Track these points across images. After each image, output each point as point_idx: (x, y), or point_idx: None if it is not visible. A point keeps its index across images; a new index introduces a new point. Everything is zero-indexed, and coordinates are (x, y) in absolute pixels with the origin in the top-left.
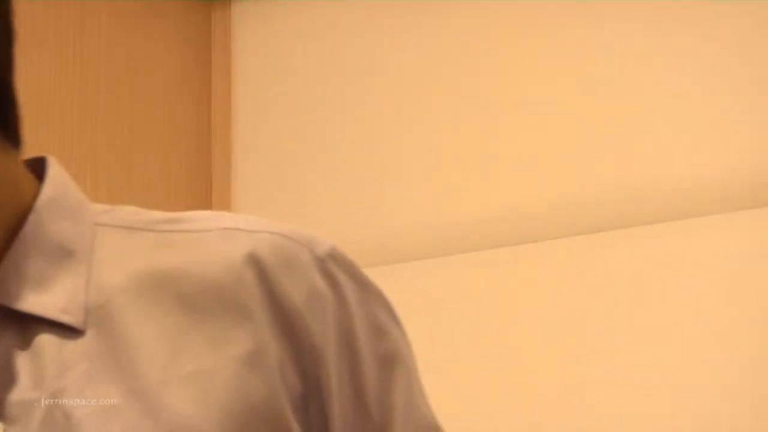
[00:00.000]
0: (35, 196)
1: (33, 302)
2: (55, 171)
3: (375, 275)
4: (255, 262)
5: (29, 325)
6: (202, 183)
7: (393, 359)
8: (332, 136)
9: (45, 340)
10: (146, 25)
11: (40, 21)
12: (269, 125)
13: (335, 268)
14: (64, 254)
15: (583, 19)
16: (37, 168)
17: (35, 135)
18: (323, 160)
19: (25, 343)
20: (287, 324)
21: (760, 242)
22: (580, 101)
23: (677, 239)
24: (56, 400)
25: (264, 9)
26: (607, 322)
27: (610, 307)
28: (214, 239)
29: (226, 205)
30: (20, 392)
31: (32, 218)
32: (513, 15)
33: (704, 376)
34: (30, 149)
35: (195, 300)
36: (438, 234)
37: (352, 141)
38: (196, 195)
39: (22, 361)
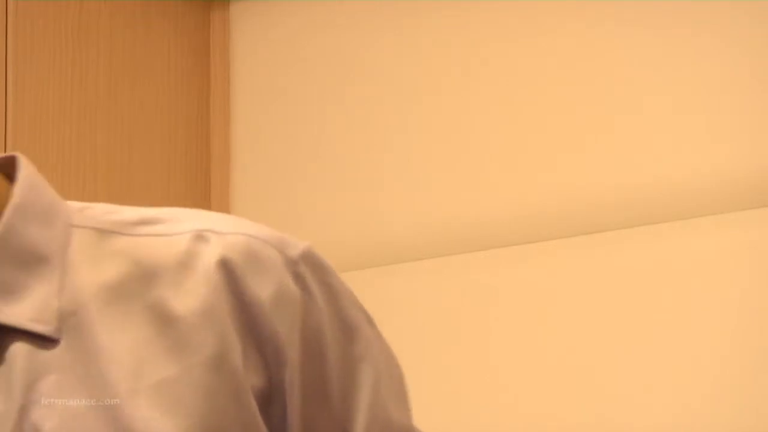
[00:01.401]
0: (6, 199)
1: (4, 312)
2: (25, 172)
3: (374, 275)
4: (223, 263)
5: (3, 335)
6: (201, 183)
7: (361, 360)
8: (331, 135)
9: (17, 351)
10: (145, 25)
11: (39, 21)
12: (268, 125)
13: (306, 270)
14: (35, 260)
15: (584, 21)
16: (8, 168)
17: (35, 135)
18: (322, 160)
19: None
20: (252, 325)
21: (761, 243)
22: (580, 102)
23: (678, 240)
24: (26, 413)
25: (262, 9)
26: (607, 322)
27: (611, 308)
28: (185, 242)
29: (225, 205)
30: None
31: (1, 224)
32: (514, 16)
33: (705, 377)
34: (30, 150)
35: (162, 306)
36: (437, 234)
37: (351, 141)
38: (195, 195)
39: None
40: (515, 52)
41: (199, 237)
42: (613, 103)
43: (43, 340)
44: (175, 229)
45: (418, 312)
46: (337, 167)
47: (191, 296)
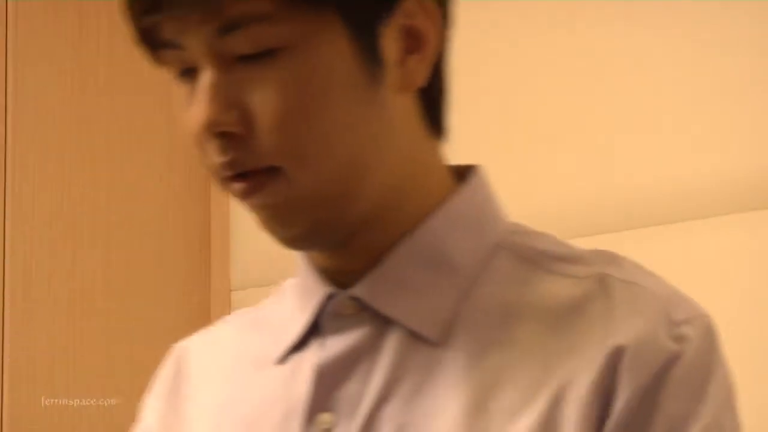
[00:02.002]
0: (442, 200)
1: (394, 307)
2: (474, 183)
3: None
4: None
5: (387, 327)
6: (201, 183)
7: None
8: None
9: (393, 345)
10: None
11: (39, 22)
12: None
13: (689, 330)
14: (446, 266)
15: (585, 21)
16: (465, 175)
17: (35, 135)
18: None
19: (375, 344)
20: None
21: (762, 244)
22: (582, 105)
23: (679, 241)
24: (379, 407)
25: None
26: None
27: None
28: (584, 286)
29: (224, 206)
30: (350, 389)
31: (429, 223)
32: (517, 17)
33: None
34: (30, 150)
35: (544, 344)
36: None
37: None
38: (195, 196)
39: (364, 360)
40: (523, 55)
41: (600, 281)
42: (614, 105)
43: (422, 342)
44: (582, 273)
45: None
46: None
47: (572, 335)
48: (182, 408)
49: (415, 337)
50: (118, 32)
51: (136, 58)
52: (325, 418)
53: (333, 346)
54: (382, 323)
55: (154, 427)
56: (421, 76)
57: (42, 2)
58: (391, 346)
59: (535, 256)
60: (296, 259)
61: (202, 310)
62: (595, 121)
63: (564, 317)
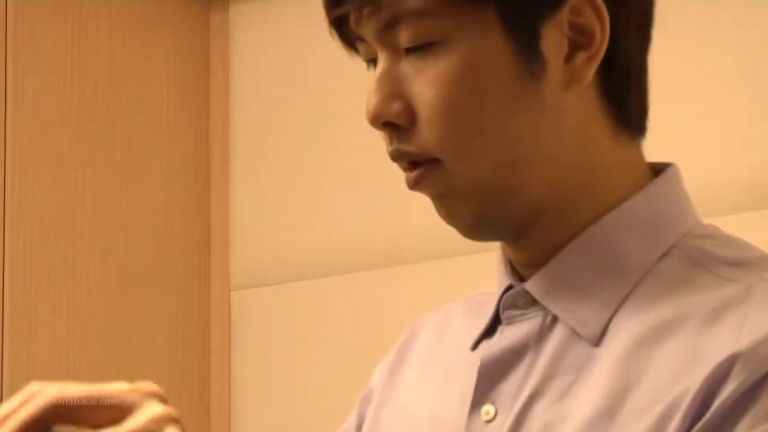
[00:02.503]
0: (624, 199)
1: (559, 304)
2: (660, 182)
3: (377, 276)
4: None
5: (554, 323)
6: (201, 183)
7: None
8: (331, 136)
9: (555, 342)
10: (144, 27)
11: (39, 21)
12: (268, 128)
13: None
14: (615, 266)
15: None
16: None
17: (35, 136)
18: (323, 161)
19: (539, 339)
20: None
21: (762, 244)
22: None
23: None
24: (530, 404)
25: (262, 11)
26: None
27: None
28: (737, 290)
29: (224, 206)
30: (512, 383)
31: (601, 222)
32: None
33: None
34: (30, 150)
35: (692, 348)
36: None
37: (352, 142)
38: (195, 196)
39: (528, 354)
40: None
41: (750, 286)
42: None
43: (581, 341)
44: (745, 278)
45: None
46: (337, 168)
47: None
48: (400, 374)
49: (575, 335)
50: (118, 32)
51: (136, 58)
52: (488, 409)
53: (504, 338)
54: (551, 319)
55: (375, 390)
56: (587, 73)
57: (42, 2)
58: (553, 342)
59: (704, 259)
60: (307, 259)
61: (202, 310)
62: None
63: (710, 322)
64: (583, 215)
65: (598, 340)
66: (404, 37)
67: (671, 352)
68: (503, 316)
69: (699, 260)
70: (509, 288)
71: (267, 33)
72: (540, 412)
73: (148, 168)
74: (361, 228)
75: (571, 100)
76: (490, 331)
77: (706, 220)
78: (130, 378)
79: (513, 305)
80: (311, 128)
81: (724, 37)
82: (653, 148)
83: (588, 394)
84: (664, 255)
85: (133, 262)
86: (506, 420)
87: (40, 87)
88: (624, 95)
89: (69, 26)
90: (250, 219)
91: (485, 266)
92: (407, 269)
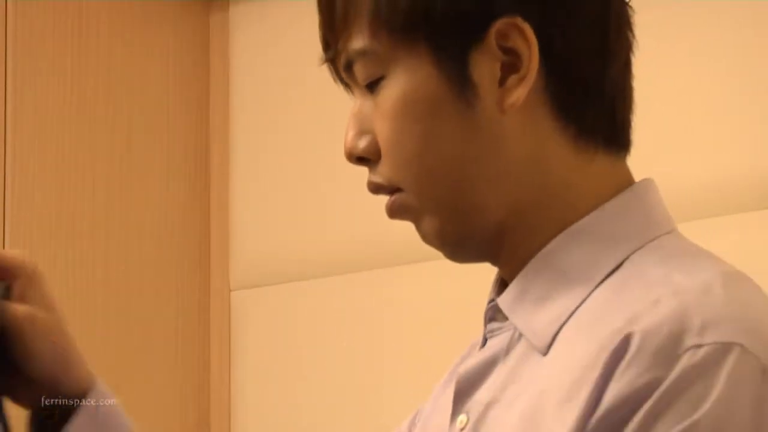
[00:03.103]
0: (586, 214)
1: (520, 317)
2: (624, 196)
3: (378, 276)
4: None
5: (520, 336)
6: (201, 184)
7: None
8: (331, 138)
9: (517, 354)
10: (144, 27)
11: (39, 21)
12: (267, 127)
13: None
14: (565, 279)
15: None
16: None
17: (35, 136)
18: (323, 161)
19: (507, 351)
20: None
21: (764, 246)
22: None
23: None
24: (487, 410)
25: (262, 11)
26: None
27: None
28: (656, 291)
29: (224, 206)
30: (480, 393)
31: (557, 239)
32: None
33: None
34: (30, 150)
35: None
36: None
37: None
38: (194, 196)
39: (498, 365)
40: None
41: (662, 298)
42: None
43: (536, 353)
44: (679, 280)
45: (411, 317)
46: (337, 168)
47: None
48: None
49: (532, 347)
50: (118, 32)
51: (136, 58)
52: (462, 418)
53: (484, 351)
54: (519, 332)
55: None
56: (520, 94)
57: (42, 2)
58: (516, 354)
59: (646, 269)
60: (307, 259)
61: (201, 310)
62: None
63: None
64: (546, 232)
65: (546, 350)
66: (359, 75)
67: (585, 350)
68: (486, 329)
69: (640, 270)
70: (491, 302)
71: (267, 33)
72: (492, 417)
73: (148, 168)
74: (361, 228)
75: (513, 121)
76: (483, 344)
77: (706, 221)
78: (131, 378)
79: (494, 319)
80: (311, 128)
81: (723, 37)
82: (653, 149)
83: (521, 403)
84: (617, 268)
85: (133, 262)
86: (473, 429)
87: (40, 87)
88: (582, 111)
89: (69, 26)
90: (250, 219)
91: (485, 267)
92: (407, 269)
